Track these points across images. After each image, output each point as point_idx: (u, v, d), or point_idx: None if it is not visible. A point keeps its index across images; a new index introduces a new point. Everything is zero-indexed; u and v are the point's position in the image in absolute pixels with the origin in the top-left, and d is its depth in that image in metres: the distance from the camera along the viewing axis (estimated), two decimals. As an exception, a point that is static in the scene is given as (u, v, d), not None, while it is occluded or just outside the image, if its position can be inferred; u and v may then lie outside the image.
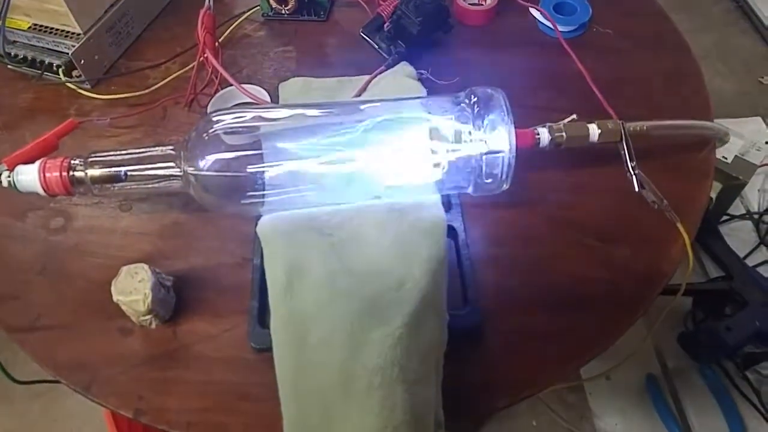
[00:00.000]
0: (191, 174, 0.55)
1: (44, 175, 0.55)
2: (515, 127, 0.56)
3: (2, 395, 1.33)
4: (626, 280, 0.60)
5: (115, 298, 0.54)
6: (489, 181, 0.57)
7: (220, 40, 0.77)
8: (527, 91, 0.74)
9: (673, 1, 2.05)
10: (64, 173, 0.55)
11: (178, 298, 0.58)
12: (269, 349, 0.52)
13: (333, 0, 0.88)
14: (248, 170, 0.55)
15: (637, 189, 0.61)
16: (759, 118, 1.31)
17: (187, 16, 0.82)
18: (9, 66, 0.79)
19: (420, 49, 0.77)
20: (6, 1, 0.74)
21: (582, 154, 0.64)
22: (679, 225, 0.61)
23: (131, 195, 0.66)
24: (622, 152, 0.62)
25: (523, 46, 0.82)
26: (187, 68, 0.77)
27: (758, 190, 1.20)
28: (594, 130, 0.61)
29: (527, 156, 0.59)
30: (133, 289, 0.53)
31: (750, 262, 1.11)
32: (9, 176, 0.55)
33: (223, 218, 0.64)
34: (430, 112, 0.58)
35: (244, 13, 0.85)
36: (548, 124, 0.61)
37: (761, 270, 1.08)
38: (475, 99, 0.57)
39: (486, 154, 0.56)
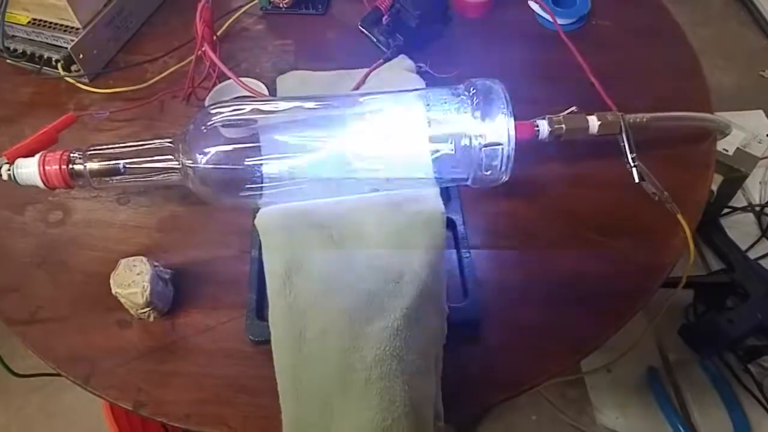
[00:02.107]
0: (189, 167, 0.55)
1: (44, 168, 0.55)
2: (514, 119, 0.56)
3: (-1, 389, 1.34)
4: (627, 272, 0.60)
5: (113, 290, 0.54)
6: (488, 173, 0.57)
7: (218, 33, 0.78)
8: (526, 83, 0.73)
9: (674, -7, 2.04)
10: (64, 166, 0.55)
11: (176, 290, 0.58)
12: (267, 342, 0.52)
13: (331, -7, 0.88)
14: (246, 163, 0.55)
15: (637, 181, 0.61)
16: (761, 111, 1.30)
17: (185, 10, 0.82)
18: (8, 60, 0.79)
19: (418, 42, 0.77)
20: (5, -4, 0.74)
21: (582, 146, 0.64)
22: (679, 216, 0.61)
23: (129, 188, 0.67)
24: (622, 144, 0.62)
25: (522, 39, 0.82)
26: (185, 62, 0.77)
27: (760, 183, 1.19)
28: (594, 122, 0.61)
29: (527, 148, 0.58)
30: (132, 282, 0.54)
31: (752, 254, 1.10)
32: (9, 169, 0.56)
33: (221, 211, 0.64)
34: (428, 105, 0.58)
35: (242, 6, 0.85)
36: (548, 116, 0.60)
37: (763, 262, 1.07)
38: (475, 91, 0.57)
39: (485, 146, 0.55)
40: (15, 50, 0.78)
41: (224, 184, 0.57)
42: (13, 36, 0.79)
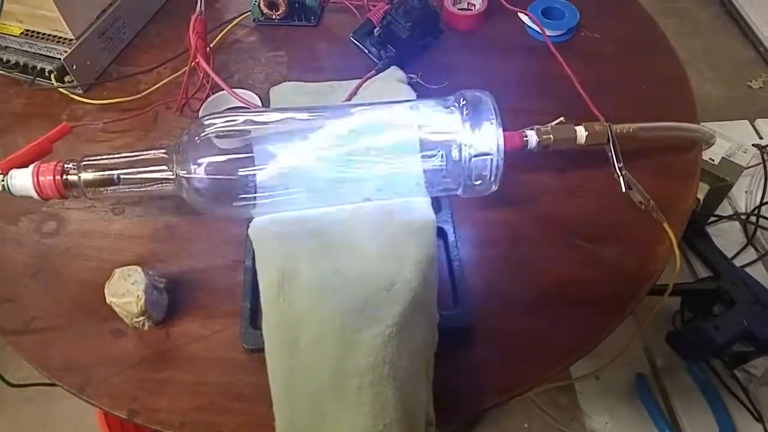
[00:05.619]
0: (183, 177, 0.56)
1: (38, 179, 0.55)
2: (503, 130, 0.57)
3: (-6, 400, 1.33)
4: (614, 279, 0.61)
5: (108, 300, 0.54)
6: (478, 182, 0.58)
7: (211, 45, 0.78)
8: (515, 94, 0.75)
9: (663, 6, 2.08)
10: (58, 177, 0.56)
11: (170, 300, 0.59)
12: (261, 350, 0.53)
13: (323, 5, 0.88)
14: (240, 173, 0.56)
15: (624, 190, 0.62)
16: (746, 121, 1.32)
17: (179, 21, 0.83)
18: (1, 72, 0.80)
19: (410, 54, 0.78)
20: (-2, 7, 0.75)
21: (570, 156, 0.65)
22: (665, 225, 0.62)
23: (124, 198, 0.67)
24: (610, 154, 0.63)
25: (512, 51, 0.83)
26: (178, 73, 0.78)
27: (745, 192, 1.21)
28: (581, 132, 0.62)
29: (516, 158, 0.59)
30: (126, 291, 0.54)
31: (737, 262, 1.11)
32: (3, 180, 0.56)
33: (215, 221, 0.65)
34: (419, 116, 0.59)
35: (235, 18, 0.86)
36: (536, 126, 0.61)
37: (749, 270, 1.09)
38: (464, 102, 0.58)
39: (475, 156, 0.56)
40: (8, 61, 0.79)
41: (218, 194, 0.57)
42: (6, 47, 0.79)
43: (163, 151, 0.57)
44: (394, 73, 0.75)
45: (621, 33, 0.85)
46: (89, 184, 0.57)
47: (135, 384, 0.55)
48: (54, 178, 0.56)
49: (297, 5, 0.85)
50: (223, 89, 0.69)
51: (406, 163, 0.58)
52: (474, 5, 0.86)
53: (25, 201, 0.57)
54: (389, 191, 0.60)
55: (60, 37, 0.77)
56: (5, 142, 0.74)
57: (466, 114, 0.57)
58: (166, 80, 0.78)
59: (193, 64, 0.72)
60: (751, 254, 1.15)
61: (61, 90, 0.77)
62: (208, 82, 0.74)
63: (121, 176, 0.57)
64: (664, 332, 1.07)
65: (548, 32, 0.80)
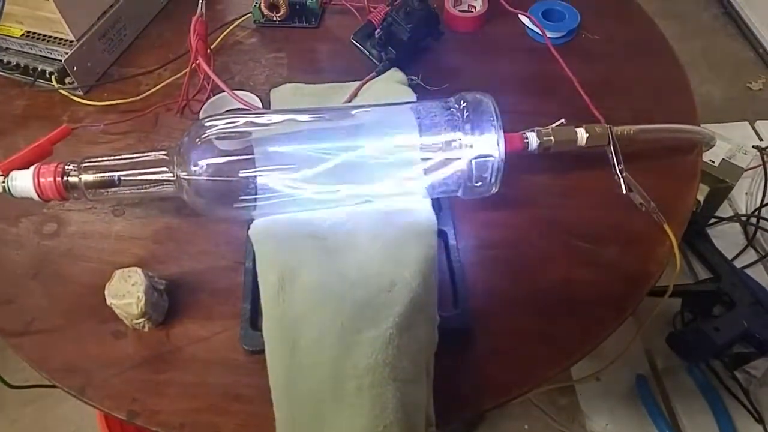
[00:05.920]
0: (184, 179, 0.56)
1: (39, 180, 0.56)
2: (504, 132, 0.57)
3: (-6, 402, 1.33)
4: (614, 281, 0.61)
5: (108, 301, 0.54)
6: (478, 184, 0.58)
7: (212, 46, 0.78)
8: (516, 96, 0.75)
9: (663, 7, 2.09)
10: (58, 178, 0.56)
11: (170, 301, 0.59)
12: (261, 351, 0.53)
13: (324, 7, 0.89)
14: (240, 175, 0.56)
15: (624, 191, 0.62)
16: (746, 123, 1.32)
17: (180, 23, 0.83)
18: (1, 73, 0.80)
19: (410, 56, 0.78)
20: (-1, 8, 0.75)
21: (571, 157, 0.65)
22: (666, 226, 0.62)
23: (124, 200, 0.67)
24: (610, 156, 0.63)
25: (512, 52, 0.83)
26: (179, 75, 0.78)
27: (745, 193, 1.21)
28: (582, 134, 0.62)
29: (516, 160, 0.60)
30: (127, 293, 0.54)
31: (738, 263, 1.11)
32: (4, 181, 0.56)
33: (216, 222, 0.65)
34: (420, 117, 0.59)
35: (236, 20, 0.86)
36: (537, 128, 0.61)
37: (749, 271, 1.09)
38: (465, 104, 0.58)
39: (475, 158, 0.56)
40: (8, 63, 0.79)
41: (219, 195, 0.57)
42: (7, 48, 0.80)
43: (163, 152, 0.58)
44: (395, 74, 0.75)
45: (621, 35, 0.85)
46: (90, 185, 0.57)
47: (135, 385, 0.55)
48: (54, 180, 0.56)
49: (298, 7, 0.85)
50: (224, 91, 0.69)
51: (407, 165, 0.58)
52: (474, 7, 0.86)
53: (25, 202, 0.57)
54: (390, 193, 0.60)
55: (61, 39, 0.77)
56: (6, 144, 0.74)
57: (467, 116, 0.57)
58: (167, 82, 0.78)
59: (193, 65, 0.72)
60: (751, 255, 1.15)
61: (61, 91, 0.77)
62: (208, 84, 0.74)
63: (122, 178, 0.57)
64: (664, 333, 1.07)
65: (549, 34, 0.80)
